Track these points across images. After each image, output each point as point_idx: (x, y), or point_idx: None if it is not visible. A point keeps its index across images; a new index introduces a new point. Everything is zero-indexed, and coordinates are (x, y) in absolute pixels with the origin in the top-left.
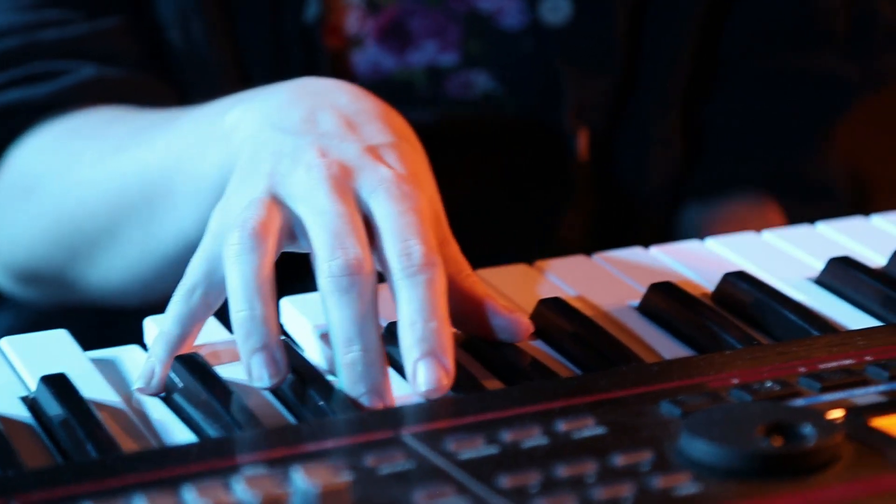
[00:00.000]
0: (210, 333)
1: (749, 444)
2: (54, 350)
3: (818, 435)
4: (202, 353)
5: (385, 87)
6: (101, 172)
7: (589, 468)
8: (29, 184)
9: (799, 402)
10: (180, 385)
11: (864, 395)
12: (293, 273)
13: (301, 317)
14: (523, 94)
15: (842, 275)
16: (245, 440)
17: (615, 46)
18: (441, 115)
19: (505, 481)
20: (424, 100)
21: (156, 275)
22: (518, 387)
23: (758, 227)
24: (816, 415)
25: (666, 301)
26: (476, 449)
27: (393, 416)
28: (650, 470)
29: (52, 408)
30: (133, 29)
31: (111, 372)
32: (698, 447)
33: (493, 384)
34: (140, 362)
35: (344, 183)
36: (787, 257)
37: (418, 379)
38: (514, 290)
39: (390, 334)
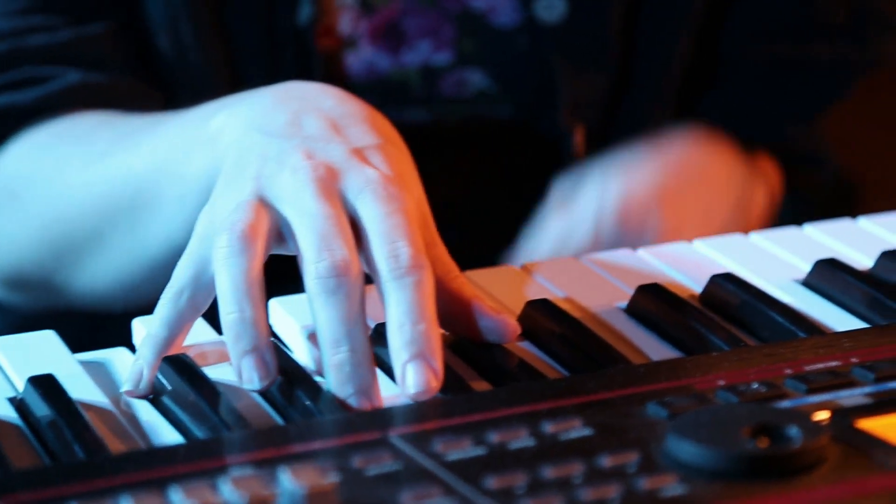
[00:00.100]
0: (198, 334)
1: (735, 446)
2: (42, 351)
3: (804, 436)
4: (190, 354)
5: (379, 88)
6: (87, 177)
7: (576, 469)
8: (14, 189)
9: (785, 403)
10: (168, 387)
11: (850, 396)
12: (282, 274)
13: (289, 318)
14: (518, 92)
15: (828, 277)
16: (232, 441)
17: (610, 43)
18: (436, 114)
19: (492, 482)
20: (419, 99)
21: (142, 279)
22: (505, 388)
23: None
24: (802, 416)
25: (653, 303)
26: (463, 450)
27: (380, 418)
28: (637, 471)
29: (40, 408)
30: (120, 34)
31: (99, 373)
32: (685, 448)
33: (480, 385)
34: (128, 364)
35: (330, 185)
36: (774, 259)
37: (407, 381)
38: (502, 292)
39: (378, 335)
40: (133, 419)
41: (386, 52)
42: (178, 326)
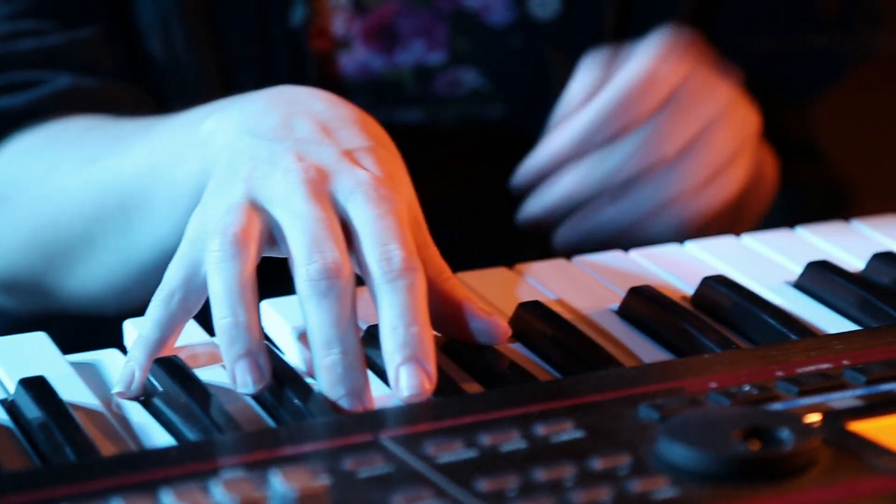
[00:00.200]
0: (189, 336)
1: (726, 448)
2: (33, 353)
3: (795, 439)
4: (181, 355)
5: (373, 88)
6: (77, 181)
7: (567, 472)
8: (6, 193)
9: (776, 406)
10: (159, 388)
11: (842, 399)
12: (273, 276)
13: (280, 319)
14: (511, 89)
15: (820, 279)
16: (223, 443)
17: (604, 38)
18: (430, 114)
19: (483, 485)
20: (413, 99)
21: (133, 282)
22: (497, 390)
23: None
24: (794, 419)
25: (645, 305)
26: (454, 452)
27: (371, 420)
28: (628, 474)
29: (31, 410)
30: (111, 38)
31: (90, 375)
32: (676, 451)
33: (472, 387)
34: (119, 366)
35: (321, 186)
36: (766, 261)
37: (401, 384)
38: (493, 294)
39: (370, 337)
40: (124, 421)
41: (379, 53)
42: (170, 328)
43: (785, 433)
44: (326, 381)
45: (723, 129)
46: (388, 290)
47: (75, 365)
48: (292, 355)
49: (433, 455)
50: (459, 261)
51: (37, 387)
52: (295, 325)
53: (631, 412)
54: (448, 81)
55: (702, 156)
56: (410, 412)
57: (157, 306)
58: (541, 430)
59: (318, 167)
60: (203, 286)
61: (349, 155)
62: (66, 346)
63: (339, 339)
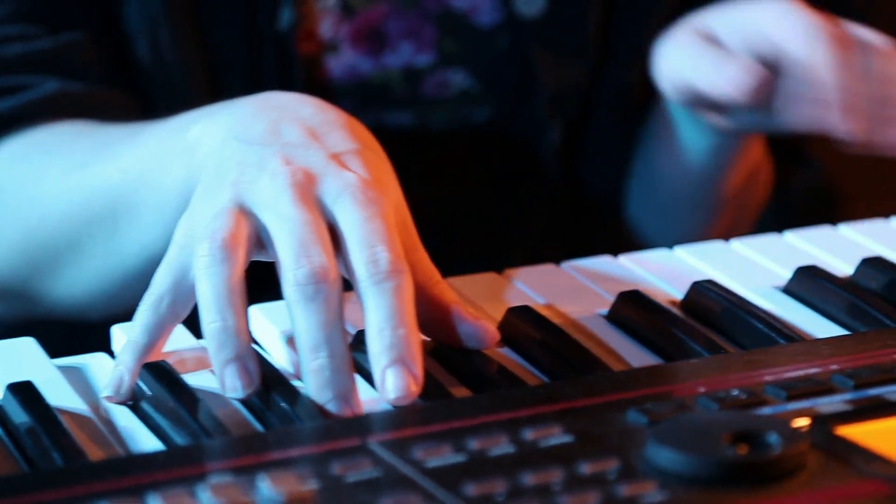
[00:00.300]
0: (177, 341)
1: (715, 453)
2: (21, 357)
3: (783, 443)
4: (169, 360)
5: (362, 91)
6: (65, 187)
7: (555, 476)
8: None
9: (765, 410)
10: (148, 393)
11: (830, 403)
12: (261, 280)
13: (268, 323)
14: (499, 89)
15: (809, 284)
16: (211, 448)
17: (589, 34)
18: (419, 116)
19: (471, 489)
20: (402, 101)
21: (120, 287)
22: (485, 395)
23: None
24: (782, 423)
25: (634, 309)
26: (443, 457)
27: (359, 424)
28: (616, 478)
29: (18, 415)
30: (98, 42)
31: (78, 380)
32: (664, 455)
33: (460, 392)
34: (107, 370)
35: (308, 190)
36: (754, 266)
37: (387, 386)
38: (483, 298)
39: (357, 341)
40: (112, 425)
41: (367, 55)
42: (159, 333)
43: (773, 437)
44: (314, 385)
45: None
46: (375, 292)
47: (62, 369)
48: (280, 360)
49: (421, 459)
50: (449, 263)
51: (24, 392)
52: (283, 330)
53: (619, 416)
54: (436, 83)
55: None
56: (398, 416)
57: (145, 311)
58: (529, 434)
59: (306, 170)
60: (191, 291)
61: (336, 158)
62: (54, 352)
63: (326, 343)
